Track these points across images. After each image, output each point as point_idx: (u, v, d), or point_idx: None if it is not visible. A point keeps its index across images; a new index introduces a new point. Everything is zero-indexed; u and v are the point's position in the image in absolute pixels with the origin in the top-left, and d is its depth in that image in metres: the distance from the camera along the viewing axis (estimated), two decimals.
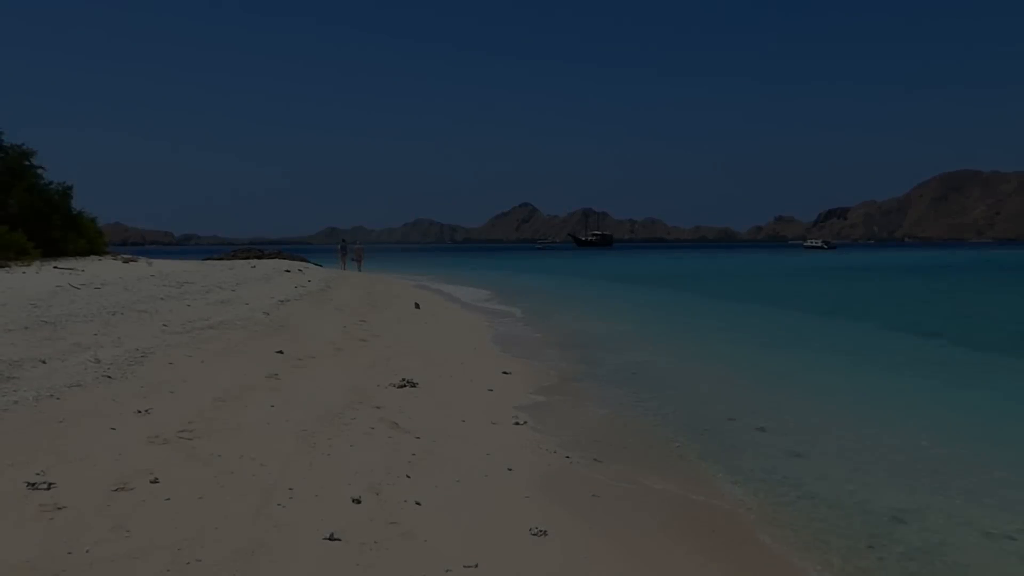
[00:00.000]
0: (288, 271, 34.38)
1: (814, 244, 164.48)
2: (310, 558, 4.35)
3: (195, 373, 9.69)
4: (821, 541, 5.26)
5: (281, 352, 11.24)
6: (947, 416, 9.22)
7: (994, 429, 8.59)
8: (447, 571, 4.32)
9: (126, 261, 38.03)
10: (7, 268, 27.21)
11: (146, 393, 8.37)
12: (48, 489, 5.14)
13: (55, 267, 29.02)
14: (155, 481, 5.45)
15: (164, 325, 14.29)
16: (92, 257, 36.66)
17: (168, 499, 5.11)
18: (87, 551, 4.23)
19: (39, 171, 37.96)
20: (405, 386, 9.41)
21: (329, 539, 4.58)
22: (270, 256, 56.78)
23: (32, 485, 5.18)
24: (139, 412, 7.47)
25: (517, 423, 8.08)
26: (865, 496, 6.19)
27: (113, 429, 6.81)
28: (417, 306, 21.80)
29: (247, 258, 53.59)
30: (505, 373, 11.18)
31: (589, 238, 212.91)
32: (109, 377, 9.08)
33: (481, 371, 11.34)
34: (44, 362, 9.77)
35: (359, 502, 5.23)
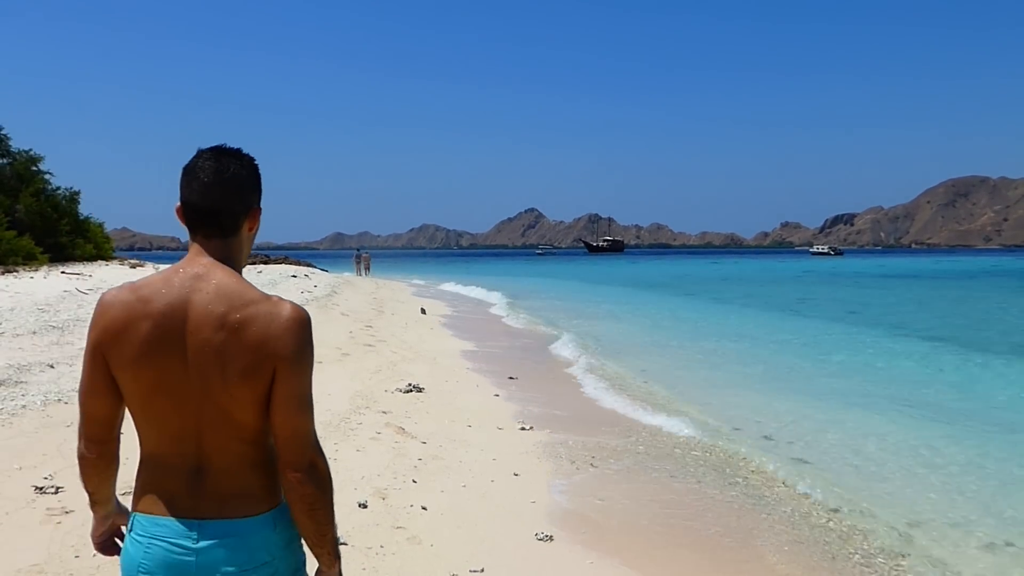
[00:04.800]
0: (295, 276, 34.48)
1: (821, 250, 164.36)
2: (315, 563, 4.35)
3: None
4: (826, 552, 5.23)
5: None
6: (958, 423, 9.17)
7: (1008, 437, 8.54)
8: (452, 575, 4.32)
9: (133, 266, 38.16)
10: (15, 273, 27.32)
11: None
12: (56, 493, 5.16)
13: (63, 272, 29.13)
14: None
15: None
16: (99, 262, 36.80)
17: None
18: (94, 555, 4.24)
19: (47, 176, 38.17)
20: (411, 391, 9.42)
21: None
22: (276, 262, 56.90)
23: (40, 489, 5.20)
24: None
25: (523, 428, 8.08)
26: (871, 505, 6.15)
27: (120, 433, 6.83)
28: (423, 311, 21.83)
29: (253, 263, 53.72)
30: (511, 378, 11.18)
31: (601, 244, 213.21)
32: None
33: (487, 376, 11.34)
34: (52, 366, 9.80)
35: (365, 507, 5.23)
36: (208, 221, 1.83)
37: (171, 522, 1.76)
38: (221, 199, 1.82)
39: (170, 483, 1.80)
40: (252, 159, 1.91)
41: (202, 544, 1.74)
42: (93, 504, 2.03)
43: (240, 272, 1.86)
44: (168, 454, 1.82)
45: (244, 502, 1.79)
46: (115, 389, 1.84)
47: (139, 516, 1.82)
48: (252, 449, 1.80)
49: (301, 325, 1.78)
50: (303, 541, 1.92)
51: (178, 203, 1.86)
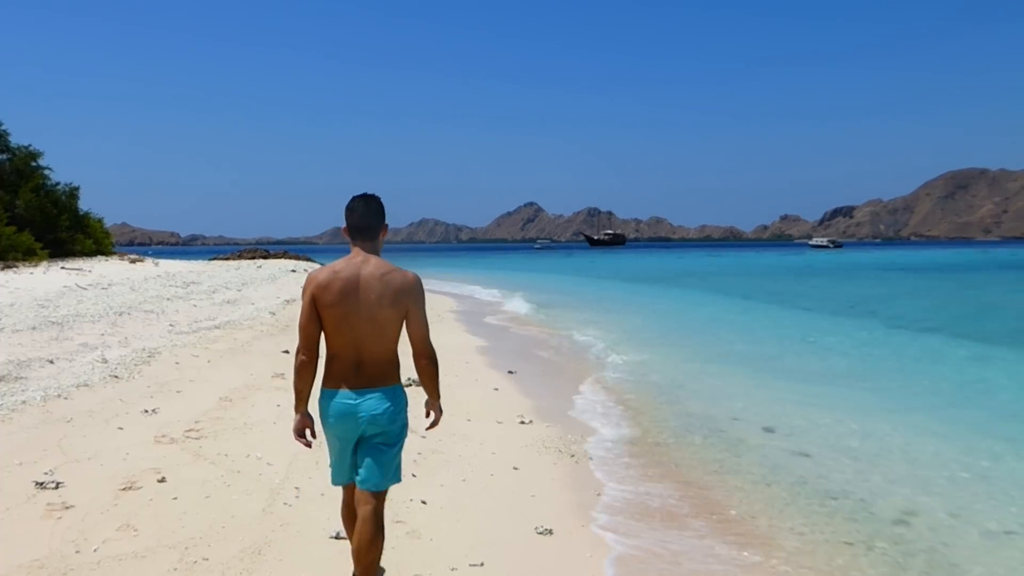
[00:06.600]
0: (294, 271, 34.49)
1: (820, 243, 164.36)
2: (317, 557, 4.37)
3: (201, 373, 9.72)
4: (826, 541, 5.24)
5: (287, 352, 11.27)
6: (957, 416, 9.18)
7: (1004, 428, 8.55)
8: (453, 570, 4.34)
9: (133, 261, 38.17)
10: (15, 269, 27.30)
11: (153, 393, 8.40)
12: (56, 488, 5.18)
13: (62, 267, 29.14)
14: (162, 480, 5.48)
15: (171, 325, 14.35)
16: (99, 257, 36.82)
17: (175, 498, 5.14)
18: (95, 550, 4.26)
19: (46, 172, 38.12)
20: (410, 385, 9.39)
21: (335, 538, 4.59)
22: (276, 256, 56.93)
23: (40, 484, 5.22)
24: (146, 412, 7.51)
25: (523, 422, 8.08)
26: (870, 495, 6.17)
27: (120, 429, 6.85)
28: None
29: (253, 258, 53.78)
30: (511, 372, 11.18)
31: (602, 237, 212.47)
32: (116, 377, 9.12)
33: (486, 370, 11.35)
34: (52, 362, 9.82)
35: None
36: (363, 234, 3.54)
37: (344, 391, 3.44)
38: (368, 222, 3.55)
39: (344, 371, 3.45)
40: (380, 198, 3.63)
41: (359, 401, 3.42)
42: (298, 402, 3.53)
43: (380, 256, 3.52)
44: (343, 355, 3.45)
45: (381, 380, 3.48)
46: (319, 320, 3.43)
47: (326, 390, 3.48)
48: (387, 353, 3.49)
49: (419, 282, 3.52)
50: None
51: (343, 226, 3.57)
